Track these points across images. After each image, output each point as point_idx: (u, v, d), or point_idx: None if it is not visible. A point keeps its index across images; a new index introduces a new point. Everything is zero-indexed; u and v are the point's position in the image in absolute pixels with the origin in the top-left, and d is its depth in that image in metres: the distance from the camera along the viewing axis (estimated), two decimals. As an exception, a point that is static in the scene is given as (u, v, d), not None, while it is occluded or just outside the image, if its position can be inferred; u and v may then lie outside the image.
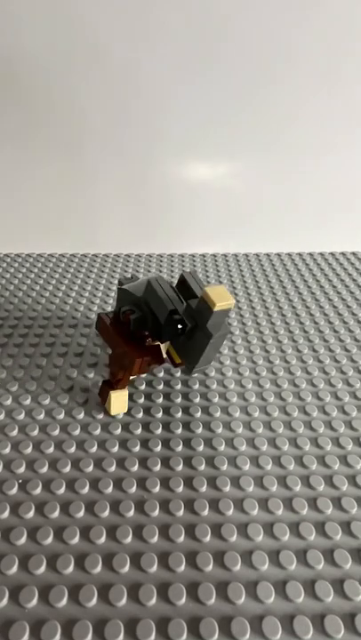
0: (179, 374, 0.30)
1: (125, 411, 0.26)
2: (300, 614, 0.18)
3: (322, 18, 0.42)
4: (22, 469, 0.23)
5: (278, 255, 0.47)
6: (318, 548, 0.20)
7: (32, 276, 0.43)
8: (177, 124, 0.46)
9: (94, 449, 0.24)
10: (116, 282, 0.42)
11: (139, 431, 0.25)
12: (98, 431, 0.25)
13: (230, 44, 0.43)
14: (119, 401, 0.26)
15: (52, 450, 0.24)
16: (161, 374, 0.30)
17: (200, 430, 0.25)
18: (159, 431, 0.25)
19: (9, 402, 0.27)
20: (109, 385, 0.26)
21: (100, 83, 0.44)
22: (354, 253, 0.47)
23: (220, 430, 0.25)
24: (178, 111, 0.46)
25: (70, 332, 0.34)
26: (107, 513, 0.21)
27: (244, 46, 0.44)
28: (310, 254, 0.47)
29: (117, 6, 0.41)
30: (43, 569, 0.19)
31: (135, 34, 0.42)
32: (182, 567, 0.19)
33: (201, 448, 0.24)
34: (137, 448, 0.24)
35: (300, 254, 0.47)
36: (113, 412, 0.26)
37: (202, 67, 0.44)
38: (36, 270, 0.44)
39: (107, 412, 0.27)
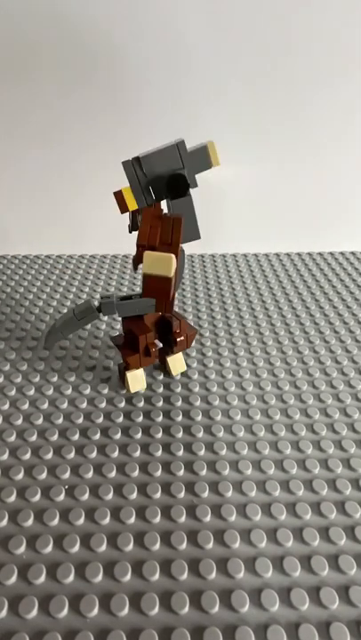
0: (179, 377, 0.29)
1: (144, 387, 0.28)
2: (305, 622, 0.17)
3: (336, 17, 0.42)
4: (20, 476, 0.23)
5: (277, 255, 0.47)
6: (322, 554, 0.20)
7: (29, 277, 0.42)
8: (176, 123, 0.45)
9: (94, 454, 0.24)
10: (114, 282, 0.41)
11: (139, 435, 0.25)
12: (97, 436, 0.25)
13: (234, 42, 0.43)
14: (136, 379, 0.27)
15: (50, 455, 0.24)
16: (160, 377, 0.29)
17: (201, 434, 0.25)
18: (159, 435, 0.25)
19: (6, 407, 0.27)
20: (125, 367, 0.27)
21: (92, 75, 0.44)
22: (353, 253, 0.47)
23: (221, 434, 0.25)
24: (177, 110, 0.45)
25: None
26: (107, 520, 0.21)
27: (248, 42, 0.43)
28: (309, 254, 0.47)
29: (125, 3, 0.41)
30: (42, 578, 0.19)
31: (142, 26, 0.42)
32: (185, 575, 0.19)
33: (202, 452, 0.24)
34: (137, 453, 0.24)
35: (299, 254, 0.47)
36: (132, 390, 0.27)
37: (204, 65, 0.44)
38: (32, 272, 0.43)
39: (106, 417, 0.26)
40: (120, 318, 0.28)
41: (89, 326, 0.34)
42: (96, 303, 0.25)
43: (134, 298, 0.25)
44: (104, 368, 0.30)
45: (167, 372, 0.29)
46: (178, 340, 0.27)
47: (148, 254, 0.20)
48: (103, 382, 0.29)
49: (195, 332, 0.28)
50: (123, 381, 0.28)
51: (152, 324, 0.27)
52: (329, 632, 0.17)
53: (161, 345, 0.28)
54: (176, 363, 0.29)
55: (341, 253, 0.47)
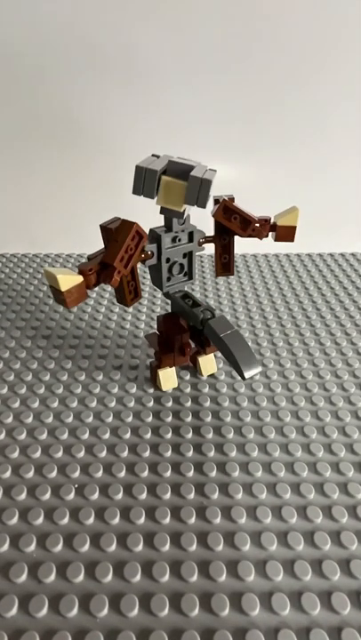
0: (188, 377, 0.29)
1: (175, 385, 0.28)
2: (317, 627, 0.17)
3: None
4: (31, 474, 0.23)
5: (276, 256, 0.47)
6: (334, 558, 0.19)
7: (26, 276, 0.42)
8: (178, 122, 0.45)
9: (103, 453, 0.24)
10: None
11: (148, 435, 0.25)
12: (107, 435, 0.25)
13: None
14: (168, 377, 0.27)
15: (60, 454, 0.24)
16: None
17: (210, 435, 0.25)
18: (169, 436, 0.25)
19: (17, 404, 0.27)
20: (157, 365, 0.27)
21: (97, 78, 0.44)
22: (353, 254, 0.47)
23: (230, 436, 0.25)
24: (180, 110, 0.45)
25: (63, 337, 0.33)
26: (117, 520, 0.21)
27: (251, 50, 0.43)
28: (308, 255, 0.47)
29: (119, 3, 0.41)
30: (52, 577, 0.19)
31: (140, 23, 0.42)
32: (195, 577, 0.19)
33: (212, 454, 0.24)
34: (147, 453, 0.24)
35: (298, 255, 0.47)
36: (164, 388, 0.28)
37: (207, 65, 0.44)
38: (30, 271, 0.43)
39: (115, 416, 0.26)
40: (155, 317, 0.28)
41: (113, 325, 0.35)
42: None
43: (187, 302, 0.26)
44: (113, 367, 0.30)
45: (198, 372, 0.29)
46: None
47: (45, 271, 0.21)
48: (113, 382, 0.29)
49: None
50: (154, 380, 0.28)
51: (187, 324, 0.27)
52: (341, 637, 0.17)
53: (194, 345, 0.29)
54: (207, 363, 0.29)
55: (341, 254, 0.47)
